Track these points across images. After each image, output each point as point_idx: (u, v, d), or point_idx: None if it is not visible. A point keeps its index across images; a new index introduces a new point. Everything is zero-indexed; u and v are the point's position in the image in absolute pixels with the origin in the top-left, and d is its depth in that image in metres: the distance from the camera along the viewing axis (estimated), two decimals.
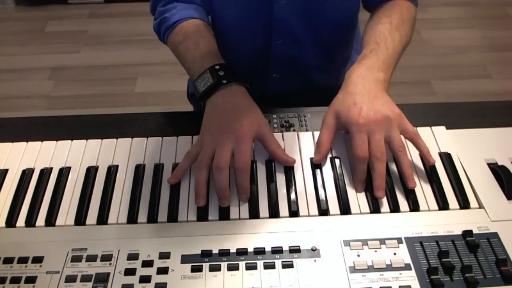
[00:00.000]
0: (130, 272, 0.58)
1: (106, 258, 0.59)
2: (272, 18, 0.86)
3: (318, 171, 0.69)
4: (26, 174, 0.70)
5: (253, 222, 0.63)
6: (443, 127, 0.75)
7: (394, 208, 0.64)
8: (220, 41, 0.83)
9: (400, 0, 0.85)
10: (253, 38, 0.91)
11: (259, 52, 0.93)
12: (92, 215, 0.65)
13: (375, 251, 0.59)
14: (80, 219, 0.64)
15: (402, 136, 0.68)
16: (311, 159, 0.70)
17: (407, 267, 0.58)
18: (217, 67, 0.72)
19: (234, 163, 0.64)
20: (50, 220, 0.64)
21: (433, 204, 0.65)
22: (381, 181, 0.65)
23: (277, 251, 0.59)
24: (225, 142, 0.65)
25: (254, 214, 0.64)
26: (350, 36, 0.99)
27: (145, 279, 0.57)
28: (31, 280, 0.57)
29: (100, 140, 0.75)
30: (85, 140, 0.75)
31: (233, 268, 0.58)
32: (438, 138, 0.73)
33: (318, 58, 0.96)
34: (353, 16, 0.94)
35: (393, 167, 0.69)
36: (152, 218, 0.64)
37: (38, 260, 0.59)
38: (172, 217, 0.64)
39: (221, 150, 0.64)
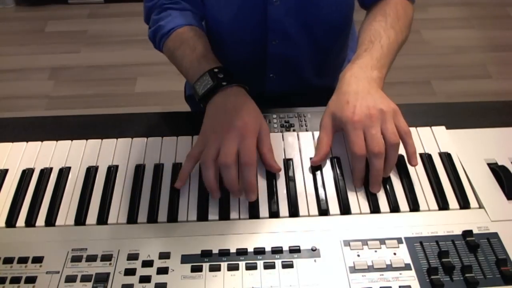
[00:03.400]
0: (130, 272, 0.58)
1: (106, 258, 0.59)
2: (267, 19, 0.86)
3: (318, 171, 0.69)
4: (26, 174, 0.70)
5: (253, 222, 0.63)
6: (443, 127, 0.75)
7: (394, 208, 0.64)
8: (215, 45, 0.82)
9: None
10: (249, 39, 0.91)
11: (256, 53, 0.93)
12: (92, 215, 0.65)
13: (375, 251, 0.59)
14: (80, 219, 0.64)
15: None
16: (311, 159, 0.70)
17: (407, 267, 0.58)
18: (216, 70, 0.72)
19: (240, 159, 0.64)
20: (50, 220, 0.64)
21: (433, 204, 0.65)
22: (378, 177, 0.64)
23: (277, 251, 0.59)
24: (229, 140, 0.64)
25: (254, 214, 0.64)
26: (345, 36, 0.99)
27: (145, 279, 0.57)
28: (31, 280, 0.57)
29: (100, 140, 0.75)
30: (85, 140, 0.75)
31: (233, 268, 0.58)
32: (438, 138, 0.73)
33: (314, 58, 0.96)
34: (347, 16, 0.94)
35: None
36: (152, 218, 0.64)
37: (38, 260, 0.59)
38: (172, 217, 0.64)
39: (226, 147, 0.64)
